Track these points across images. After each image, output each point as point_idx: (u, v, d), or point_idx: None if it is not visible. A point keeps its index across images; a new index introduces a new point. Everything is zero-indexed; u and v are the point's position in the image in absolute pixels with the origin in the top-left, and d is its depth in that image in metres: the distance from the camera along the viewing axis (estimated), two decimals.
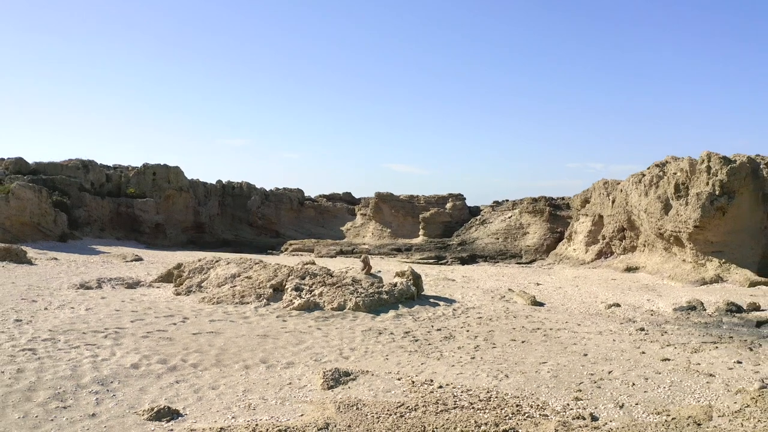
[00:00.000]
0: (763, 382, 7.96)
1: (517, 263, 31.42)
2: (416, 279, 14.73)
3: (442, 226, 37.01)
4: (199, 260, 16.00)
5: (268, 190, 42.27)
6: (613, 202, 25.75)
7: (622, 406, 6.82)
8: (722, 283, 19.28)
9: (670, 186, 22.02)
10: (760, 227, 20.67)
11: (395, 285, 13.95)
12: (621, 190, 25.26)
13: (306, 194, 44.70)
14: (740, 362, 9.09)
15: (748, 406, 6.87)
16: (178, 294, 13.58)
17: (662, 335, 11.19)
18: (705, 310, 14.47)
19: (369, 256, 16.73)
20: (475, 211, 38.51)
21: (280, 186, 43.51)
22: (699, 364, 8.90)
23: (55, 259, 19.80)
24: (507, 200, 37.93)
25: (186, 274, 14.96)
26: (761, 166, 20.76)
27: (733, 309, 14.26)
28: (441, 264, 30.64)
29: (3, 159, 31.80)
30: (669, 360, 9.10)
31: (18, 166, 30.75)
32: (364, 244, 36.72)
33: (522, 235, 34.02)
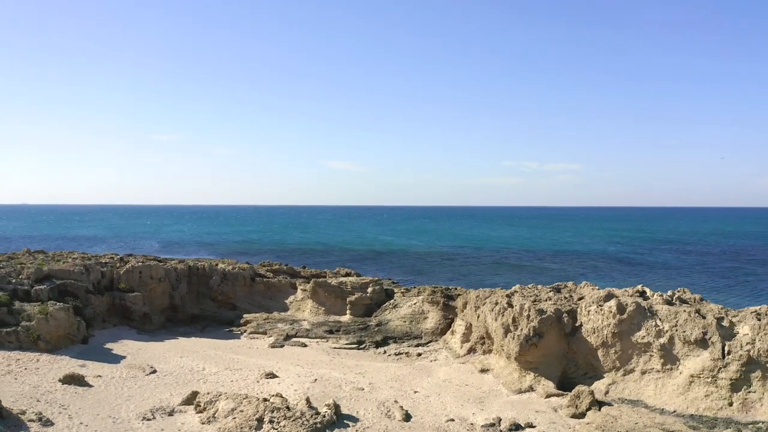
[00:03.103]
0: None
1: (418, 344, 42.70)
2: (337, 408, 25.61)
3: (365, 307, 48.03)
4: (208, 393, 26.36)
5: (226, 270, 52.26)
6: (478, 317, 37.27)
7: None
8: (532, 392, 30.89)
9: (509, 318, 33.64)
10: (563, 353, 32.53)
11: (324, 416, 24.79)
12: (482, 311, 36.78)
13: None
14: None
15: None
16: (203, 423, 23.99)
17: None
18: (500, 427, 25.87)
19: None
20: (390, 293, 49.67)
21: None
22: None
23: (99, 376, 29.69)
24: (415, 287, 49.30)
25: (202, 405, 25.37)
26: (563, 315, 32.59)
27: (513, 428, 25.66)
28: (361, 349, 41.65)
29: (23, 268, 40.90)
30: None
31: (37, 275, 40.07)
32: (304, 320, 47.43)
33: (423, 319, 45.32)
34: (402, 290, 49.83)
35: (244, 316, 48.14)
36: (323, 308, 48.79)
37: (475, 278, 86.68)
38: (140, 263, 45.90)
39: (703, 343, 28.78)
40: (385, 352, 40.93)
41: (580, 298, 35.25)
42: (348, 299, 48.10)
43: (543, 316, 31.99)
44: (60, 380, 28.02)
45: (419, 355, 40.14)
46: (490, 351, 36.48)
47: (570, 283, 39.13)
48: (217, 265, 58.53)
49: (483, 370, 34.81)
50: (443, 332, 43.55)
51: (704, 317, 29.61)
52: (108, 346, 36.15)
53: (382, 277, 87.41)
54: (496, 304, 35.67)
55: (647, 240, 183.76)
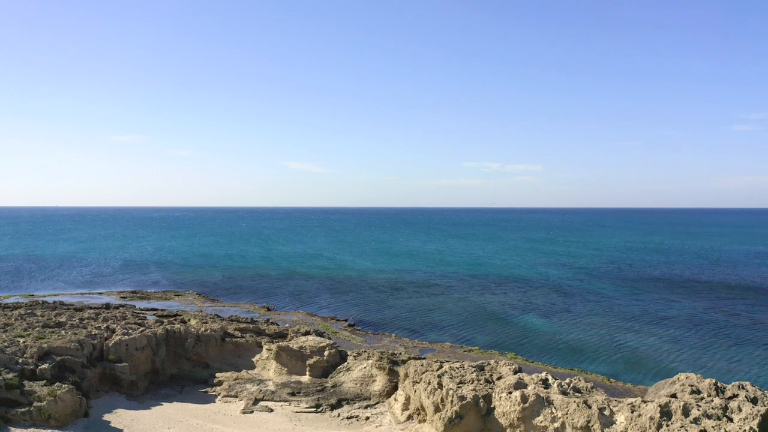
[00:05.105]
0: None
1: (367, 405, 50.44)
2: None
3: (322, 368, 55.61)
4: None
5: (199, 332, 59.23)
6: (415, 391, 45.16)
7: None
8: None
9: (439, 398, 41.60)
10: (480, 430, 40.57)
11: None
12: (418, 388, 44.65)
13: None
14: None
15: None
16: None
17: None
18: None
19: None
20: (344, 355, 57.34)
21: None
22: None
23: None
24: (365, 351, 57.07)
25: None
26: (479, 400, 40.68)
27: None
28: (318, 412, 49.17)
29: (26, 347, 47.24)
30: None
31: (39, 353, 46.59)
32: (269, 379, 54.78)
33: (372, 382, 53.11)
34: (354, 354, 57.49)
35: (217, 375, 55.25)
36: (286, 369, 56.21)
37: (420, 318, 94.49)
38: (126, 336, 52.57)
39: (587, 429, 37.08)
40: (339, 415, 48.51)
41: (499, 377, 43.47)
42: (307, 362, 55.58)
43: (463, 402, 40.02)
44: None
45: (367, 418, 47.84)
46: (424, 420, 44.39)
47: (492, 361, 47.31)
48: (189, 320, 65.53)
49: None
50: (389, 394, 51.39)
51: (590, 407, 37.92)
52: (106, 418, 42.92)
53: (337, 316, 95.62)
54: (429, 383, 43.60)
55: (592, 259, 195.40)
